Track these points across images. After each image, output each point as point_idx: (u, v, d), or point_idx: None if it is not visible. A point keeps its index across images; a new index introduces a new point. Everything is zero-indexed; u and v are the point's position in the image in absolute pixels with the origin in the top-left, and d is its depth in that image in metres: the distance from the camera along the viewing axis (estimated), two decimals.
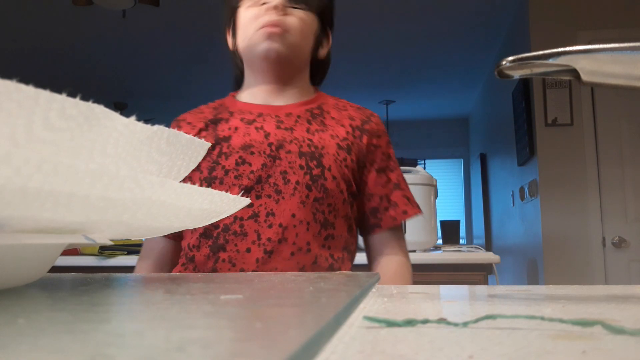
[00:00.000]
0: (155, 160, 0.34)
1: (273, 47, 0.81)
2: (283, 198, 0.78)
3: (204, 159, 0.78)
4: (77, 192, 0.24)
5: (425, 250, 1.76)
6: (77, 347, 0.14)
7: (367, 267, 0.91)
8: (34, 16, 3.48)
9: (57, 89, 0.24)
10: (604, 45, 0.33)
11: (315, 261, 0.78)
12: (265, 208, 0.78)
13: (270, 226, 0.77)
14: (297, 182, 0.79)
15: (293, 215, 0.77)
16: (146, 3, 2.91)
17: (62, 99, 0.25)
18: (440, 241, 2.25)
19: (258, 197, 0.78)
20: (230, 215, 0.71)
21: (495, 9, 3.35)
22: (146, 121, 0.33)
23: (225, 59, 1.05)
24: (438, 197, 1.87)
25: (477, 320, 0.23)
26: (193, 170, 0.62)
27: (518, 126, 3.20)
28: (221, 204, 0.34)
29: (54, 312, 0.22)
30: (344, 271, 0.75)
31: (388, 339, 0.20)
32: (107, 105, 0.28)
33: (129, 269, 1.56)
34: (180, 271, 0.81)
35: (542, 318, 0.23)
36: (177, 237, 0.88)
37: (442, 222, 2.29)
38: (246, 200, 0.37)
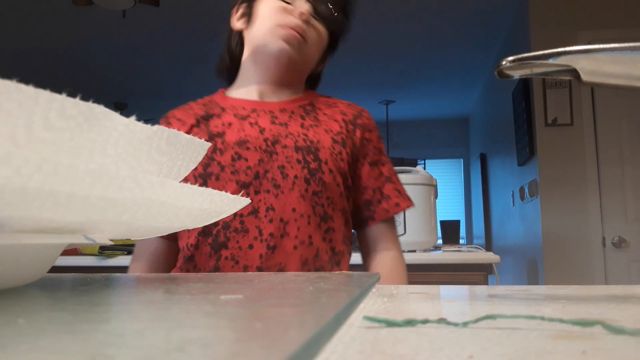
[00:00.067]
0: (155, 160, 0.34)
1: (289, 51, 0.82)
2: (282, 193, 0.78)
3: None
4: (77, 192, 0.24)
5: (425, 250, 1.76)
6: (77, 347, 0.14)
7: (362, 264, 0.92)
8: (34, 16, 3.48)
9: (57, 89, 0.24)
10: (604, 45, 0.33)
11: (317, 254, 0.78)
12: (265, 203, 0.78)
13: (271, 221, 0.77)
14: (296, 177, 0.79)
15: (293, 210, 0.78)
16: (146, 3, 2.91)
17: (62, 99, 0.25)
18: (440, 241, 2.26)
19: (257, 192, 0.78)
20: None
21: (495, 9, 3.35)
22: (146, 121, 0.33)
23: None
24: (438, 197, 1.87)
25: (477, 320, 0.23)
26: None
27: (518, 126, 3.20)
28: (221, 204, 0.34)
29: (54, 312, 0.22)
30: (344, 270, 0.76)
31: (388, 339, 0.20)
32: (107, 105, 0.28)
33: None
34: (179, 271, 0.81)
35: (542, 318, 0.23)
36: (171, 238, 0.86)
37: (442, 222, 2.29)
38: (246, 200, 0.37)
